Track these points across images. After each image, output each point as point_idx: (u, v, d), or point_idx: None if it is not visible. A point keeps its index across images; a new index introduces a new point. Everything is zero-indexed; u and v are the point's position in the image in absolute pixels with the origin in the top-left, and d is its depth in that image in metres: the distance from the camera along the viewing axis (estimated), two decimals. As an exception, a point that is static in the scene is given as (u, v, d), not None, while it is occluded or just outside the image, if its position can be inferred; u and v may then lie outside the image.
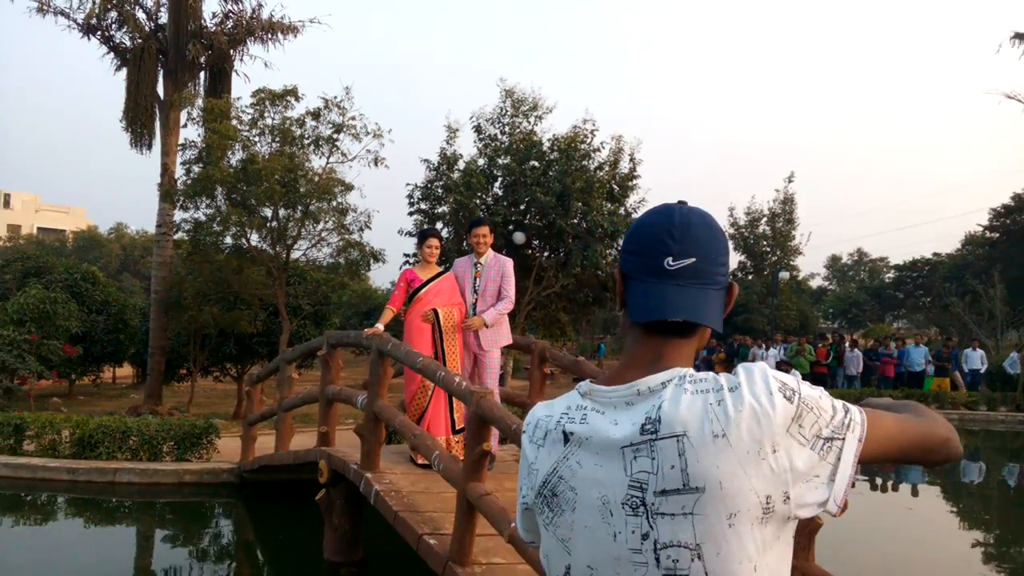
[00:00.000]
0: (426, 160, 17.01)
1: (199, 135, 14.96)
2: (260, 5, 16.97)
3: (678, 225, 1.15)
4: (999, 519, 10.38)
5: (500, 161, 16.74)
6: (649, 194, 17.23)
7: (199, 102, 15.83)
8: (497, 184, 16.87)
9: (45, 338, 14.34)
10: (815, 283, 42.15)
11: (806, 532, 3.68)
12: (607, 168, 16.44)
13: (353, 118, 14.58)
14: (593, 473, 1.11)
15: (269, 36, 16.97)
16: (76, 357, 16.14)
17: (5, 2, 34.75)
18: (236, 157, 14.40)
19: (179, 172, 15.36)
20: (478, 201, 16.41)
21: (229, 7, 16.97)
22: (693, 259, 1.14)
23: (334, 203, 14.79)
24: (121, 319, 18.26)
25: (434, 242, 6.83)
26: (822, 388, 1.10)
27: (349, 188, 14.95)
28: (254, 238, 14.67)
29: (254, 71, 47.26)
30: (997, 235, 35.76)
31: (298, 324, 16.39)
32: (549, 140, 16.53)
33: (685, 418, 1.05)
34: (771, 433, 1.02)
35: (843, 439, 1.06)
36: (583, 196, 15.68)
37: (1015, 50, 24.77)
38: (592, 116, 16.86)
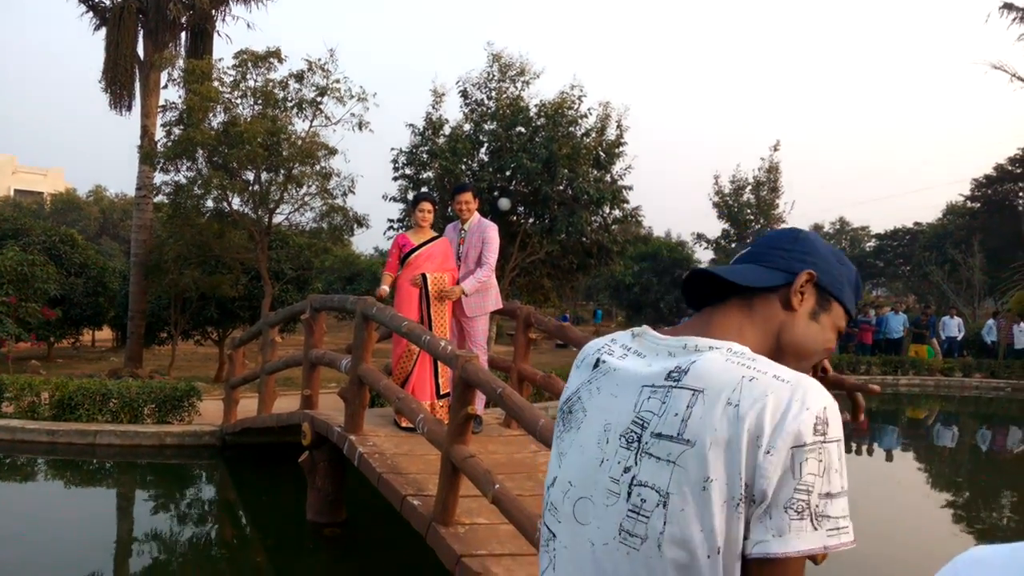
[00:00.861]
0: (411, 125, 16.83)
1: (180, 97, 14.71)
2: (242, -37, 16.63)
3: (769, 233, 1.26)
4: (969, 482, 10.59)
5: (486, 127, 16.59)
6: (636, 161, 17.19)
7: (180, 63, 15.53)
8: (483, 150, 16.74)
9: (23, 300, 14.19)
10: (797, 252, 42.28)
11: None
12: (594, 135, 16.34)
13: (337, 81, 14.39)
14: (607, 401, 1.14)
15: (252, -4, 16.65)
16: (55, 320, 15.98)
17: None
18: (217, 119, 14.19)
19: (159, 134, 15.13)
20: (463, 167, 16.28)
21: (210, -35, 16.61)
22: (750, 247, 1.24)
23: (317, 167, 14.64)
24: (100, 282, 18.09)
25: (427, 206, 6.77)
26: (844, 485, 1.02)
27: (333, 152, 14.80)
28: (236, 202, 14.52)
29: (237, 32, 46.41)
30: (978, 205, 36.02)
31: (280, 288, 16.30)
32: (536, 106, 16.39)
33: (711, 377, 1.05)
34: (776, 436, 0.99)
35: (815, 524, 0.99)
36: (569, 163, 15.60)
37: (1003, 20, 24.76)
38: (579, 82, 16.66)
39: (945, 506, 9.07)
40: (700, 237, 29.65)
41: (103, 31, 16.29)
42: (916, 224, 44.33)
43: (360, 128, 14.65)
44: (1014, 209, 33.41)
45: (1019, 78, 23.56)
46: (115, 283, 18.38)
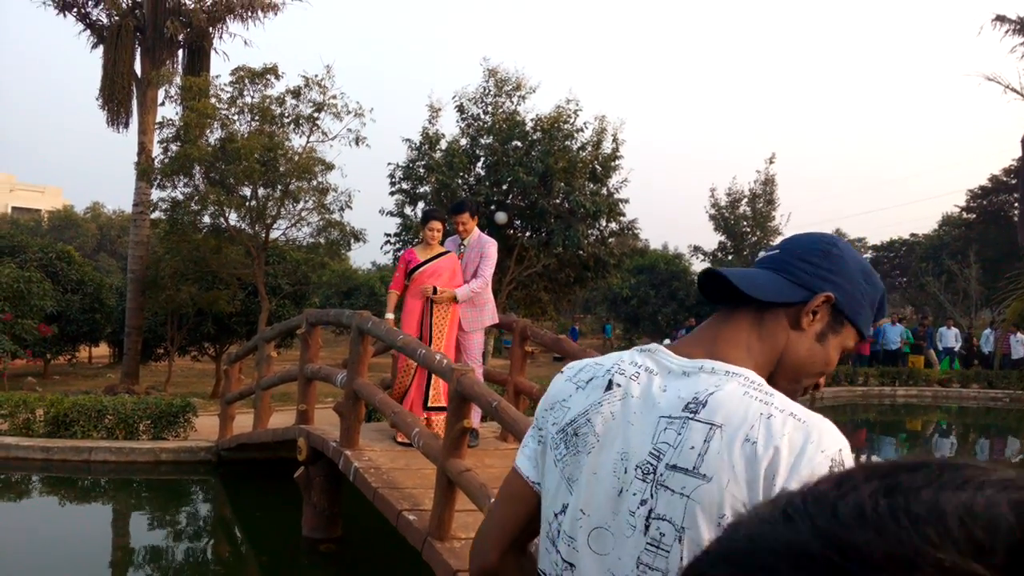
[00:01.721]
0: (408, 140, 16.88)
1: (177, 113, 14.76)
2: (238, -19, 16.71)
3: (798, 235, 1.22)
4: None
5: (482, 141, 16.63)
6: (632, 174, 17.23)
7: (177, 80, 15.58)
8: (479, 164, 16.78)
9: (19, 317, 14.17)
10: (794, 264, 42.35)
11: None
12: (590, 148, 16.39)
13: (334, 97, 14.43)
14: (623, 428, 1.10)
15: (249, 13, 16.72)
16: (51, 336, 15.95)
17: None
18: (214, 136, 14.22)
19: (156, 151, 15.15)
20: (460, 181, 16.31)
21: (207, -18, 16.71)
22: (777, 250, 1.18)
23: (314, 182, 14.66)
24: (97, 299, 18.06)
25: (436, 224, 6.72)
26: None
27: (330, 167, 14.83)
28: (232, 217, 14.53)
29: (233, 49, 46.56)
30: (974, 216, 36.11)
31: (277, 304, 16.29)
32: (532, 120, 16.44)
33: (729, 412, 1.03)
34: (791, 478, 0.98)
35: None
36: (565, 176, 15.63)
37: (996, 32, 24.90)
38: (575, 96, 16.75)
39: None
40: (697, 249, 29.69)
41: (101, 49, 16.36)
42: (912, 235, 44.41)
43: (357, 143, 14.71)
44: (1009, 220, 33.45)
45: (1013, 90, 23.69)
46: (112, 299, 18.36)
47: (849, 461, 1.00)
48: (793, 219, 38.78)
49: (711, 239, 29.13)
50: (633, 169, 25.27)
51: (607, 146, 16.55)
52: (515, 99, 16.66)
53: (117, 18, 16.14)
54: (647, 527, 1.04)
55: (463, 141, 16.77)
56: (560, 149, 15.89)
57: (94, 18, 16.54)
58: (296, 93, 14.33)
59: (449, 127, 40.94)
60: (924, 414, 18.07)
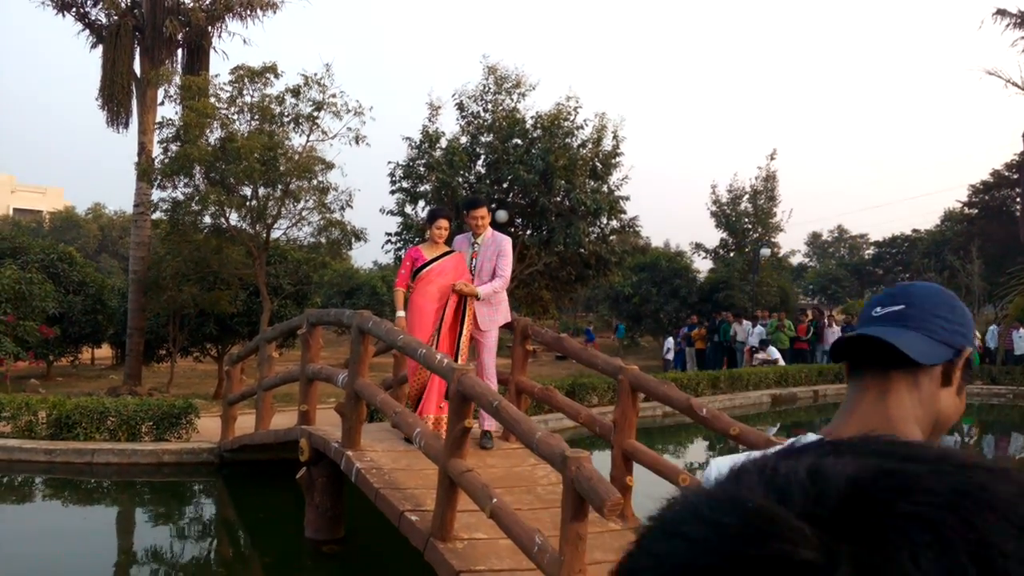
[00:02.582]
0: (408, 138, 16.88)
1: (176, 113, 14.75)
2: (237, -20, 16.69)
3: (899, 287, 1.19)
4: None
5: (483, 139, 16.63)
6: (633, 171, 17.22)
7: (176, 79, 15.57)
8: (480, 162, 16.77)
9: (21, 319, 14.17)
10: (796, 260, 42.33)
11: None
12: (590, 146, 16.38)
13: (333, 96, 14.42)
14: None
15: (248, 12, 16.71)
16: (54, 338, 15.96)
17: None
18: (214, 135, 14.22)
19: (156, 151, 15.14)
20: (460, 179, 16.31)
21: (206, -18, 16.69)
22: (903, 306, 1.15)
23: (314, 182, 14.65)
24: (99, 300, 18.06)
25: (443, 223, 6.67)
26: None
27: (330, 166, 14.81)
28: (233, 217, 14.52)
29: (233, 48, 46.53)
30: (976, 211, 36.05)
31: (279, 304, 16.28)
32: (532, 118, 16.44)
33: None
34: None
35: None
36: (566, 174, 15.62)
37: (997, 26, 24.85)
38: (575, 94, 16.73)
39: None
40: (699, 247, 29.65)
41: (100, 49, 16.35)
42: (914, 231, 44.39)
43: (357, 142, 14.69)
44: (1011, 215, 33.41)
45: (1014, 84, 23.63)
46: (114, 300, 18.36)
47: None
48: (795, 216, 38.68)
49: (713, 236, 29.05)
50: (634, 166, 25.19)
51: (607, 143, 16.54)
52: (515, 97, 16.66)
53: (116, 18, 16.14)
54: None
55: (463, 139, 16.76)
56: (560, 147, 15.87)
57: (93, 18, 16.54)
58: (296, 92, 14.31)
59: (449, 125, 40.93)
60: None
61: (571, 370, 18.83)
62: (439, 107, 16.83)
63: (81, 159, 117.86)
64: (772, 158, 27.31)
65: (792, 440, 1.16)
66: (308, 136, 14.61)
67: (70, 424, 9.76)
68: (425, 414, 6.41)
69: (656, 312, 27.35)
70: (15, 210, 60.04)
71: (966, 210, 37.19)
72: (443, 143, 16.63)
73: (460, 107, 16.93)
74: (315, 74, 14.31)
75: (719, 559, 0.36)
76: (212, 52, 16.96)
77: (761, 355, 19.37)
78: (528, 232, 16.62)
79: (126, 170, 16.48)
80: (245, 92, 14.40)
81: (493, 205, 15.96)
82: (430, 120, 16.76)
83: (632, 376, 5.68)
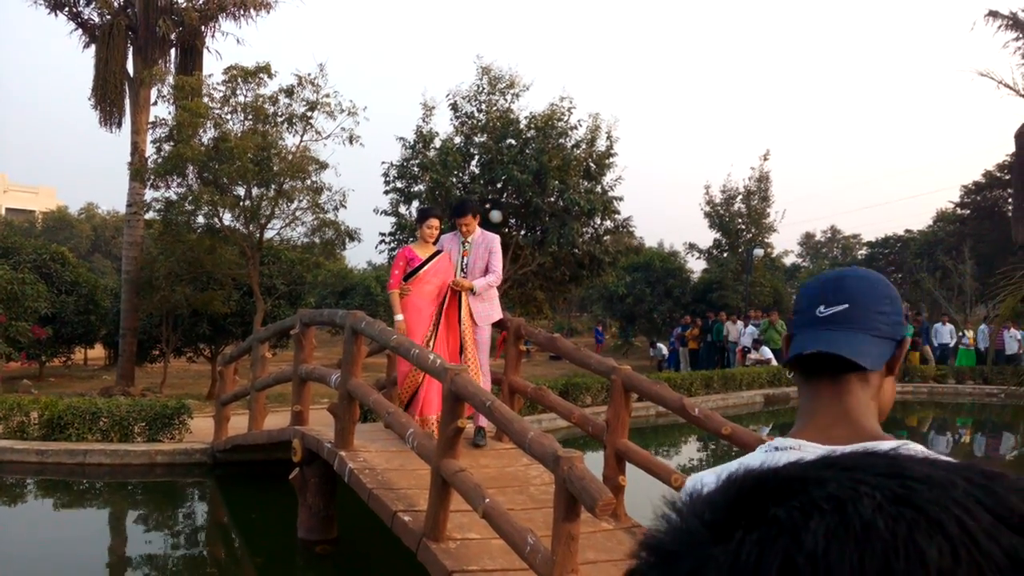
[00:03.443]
0: (402, 138, 16.86)
1: (170, 113, 14.71)
2: (231, -21, 16.65)
3: (832, 279, 1.19)
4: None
5: (476, 139, 16.61)
6: (626, 172, 17.22)
7: (169, 79, 15.53)
8: (474, 162, 16.76)
9: (13, 319, 14.11)
10: (789, 260, 42.38)
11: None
12: (584, 146, 16.38)
13: (327, 95, 14.39)
14: None
15: (241, 12, 16.68)
16: (46, 339, 15.90)
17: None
18: (208, 135, 14.17)
19: (150, 151, 15.10)
20: (454, 179, 16.30)
21: (199, -19, 16.65)
22: (846, 305, 1.16)
23: (308, 182, 14.63)
24: (92, 300, 18.00)
25: (434, 222, 6.71)
26: None
27: (323, 166, 14.80)
28: (227, 217, 14.48)
29: (226, 48, 46.38)
30: (968, 212, 36.18)
31: (272, 304, 16.25)
32: (526, 118, 16.42)
33: None
34: None
35: None
36: (560, 174, 15.62)
37: (989, 28, 24.93)
38: (569, 94, 16.79)
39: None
40: (692, 247, 29.69)
41: (92, 48, 16.30)
42: (907, 231, 44.45)
43: (351, 142, 14.67)
44: (1003, 215, 33.54)
45: (1006, 85, 23.72)
46: (107, 301, 18.30)
47: None
48: (788, 216, 38.73)
49: (706, 236, 29.12)
50: (628, 167, 25.25)
51: (601, 144, 16.54)
52: (509, 97, 16.65)
53: (109, 17, 16.09)
54: None
55: (457, 139, 16.75)
56: (554, 147, 15.87)
57: (86, 17, 16.49)
58: (289, 92, 14.29)
59: (443, 125, 40.93)
60: (920, 410, 18.11)
61: (565, 370, 18.84)
62: (433, 107, 16.81)
63: (74, 159, 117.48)
64: (765, 158, 27.37)
65: (765, 448, 1.17)
66: (302, 136, 14.60)
67: (62, 425, 9.73)
68: (427, 414, 6.41)
69: (650, 312, 27.38)
70: (7, 210, 59.78)
71: (958, 211, 37.31)
72: (437, 143, 16.61)
73: (454, 107, 16.92)
74: (309, 74, 14.30)
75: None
76: (205, 52, 16.92)
77: (754, 355, 19.42)
78: (522, 232, 16.61)
79: (119, 170, 16.44)
80: (238, 92, 14.37)
81: (487, 205, 15.96)
82: (424, 120, 16.74)
83: (625, 376, 5.70)
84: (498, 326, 7.10)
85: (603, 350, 27.49)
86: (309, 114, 14.40)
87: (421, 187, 16.56)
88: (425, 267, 6.58)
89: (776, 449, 1.14)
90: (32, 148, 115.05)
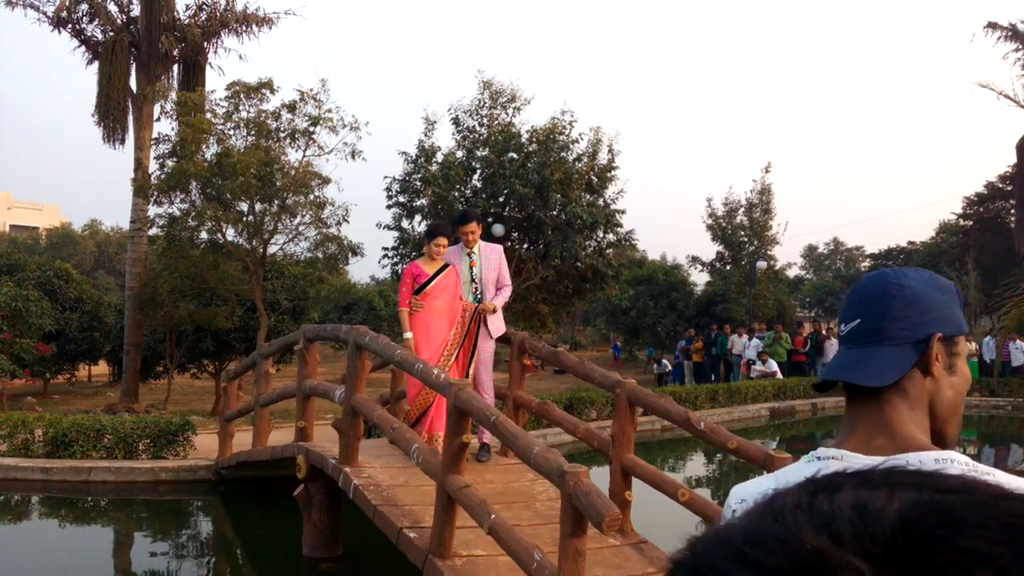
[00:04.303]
0: (404, 153, 16.92)
1: (173, 129, 14.79)
2: (234, -4, 16.77)
3: (849, 294, 1.18)
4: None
5: (478, 153, 16.66)
6: (629, 185, 17.26)
7: (172, 95, 15.61)
8: (476, 176, 16.80)
9: (17, 336, 14.12)
10: (792, 272, 42.40)
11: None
12: (586, 160, 16.42)
13: (329, 111, 14.45)
14: None
15: (244, 28, 16.78)
16: (50, 355, 15.90)
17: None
18: (211, 151, 14.22)
19: (153, 167, 15.15)
20: (457, 194, 16.33)
21: (202, -1, 16.77)
22: (858, 320, 1.15)
23: (311, 197, 14.65)
24: (96, 316, 18.02)
25: (442, 240, 6.65)
26: None
27: (326, 181, 14.83)
28: (230, 233, 14.52)
29: (229, 64, 46.64)
30: (970, 223, 36.18)
31: (276, 319, 16.25)
32: (528, 132, 16.48)
33: None
34: None
35: None
36: (562, 188, 15.66)
37: (989, 39, 24.99)
38: (570, 108, 16.85)
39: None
40: (695, 260, 29.68)
41: (96, 65, 16.40)
42: (910, 243, 44.44)
43: (353, 157, 14.71)
44: (1006, 226, 33.52)
45: (1006, 96, 23.76)
46: (111, 317, 18.30)
47: None
48: (791, 228, 38.64)
49: (709, 249, 29.06)
50: (630, 180, 25.30)
51: (603, 157, 16.58)
52: (510, 111, 16.71)
53: (112, 34, 16.19)
54: None
55: (459, 154, 16.80)
56: (556, 160, 15.91)
57: (89, 34, 16.59)
58: (292, 107, 14.34)
59: (445, 140, 41.03)
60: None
61: (569, 384, 18.79)
62: (435, 122, 16.88)
63: (77, 175, 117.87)
64: (767, 171, 27.38)
65: (807, 458, 1.15)
66: (304, 151, 14.65)
67: (67, 442, 9.71)
68: (435, 431, 6.37)
69: (653, 325, 27.35)
70: (11, 227, 59.95)
71: (961, 222, 37.32)
72: (439, 157, 16.67)
73: (456, 122, 16.98)
74: (311, 89, 14.36)
75: None
76: (208, 68, 17.04)
77: (759, 367, 19.38)
78: (525, 246, 16.63)
79: (122, 186, 16.43)
80: (241, 108, 14.44)
81: (489, 219, 15.98)
82: (426, 135, 16.80)
83: (630, 390, 5.67)
84: (502, 340, 7.09)
85: (605, 363, 27.41)
86: (311, 129, 14.45)
87: (423, 201, 16.60)
88: (432, 282, 6.55)
89: (819, 459, 1.13)
90: (36, 165, 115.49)
